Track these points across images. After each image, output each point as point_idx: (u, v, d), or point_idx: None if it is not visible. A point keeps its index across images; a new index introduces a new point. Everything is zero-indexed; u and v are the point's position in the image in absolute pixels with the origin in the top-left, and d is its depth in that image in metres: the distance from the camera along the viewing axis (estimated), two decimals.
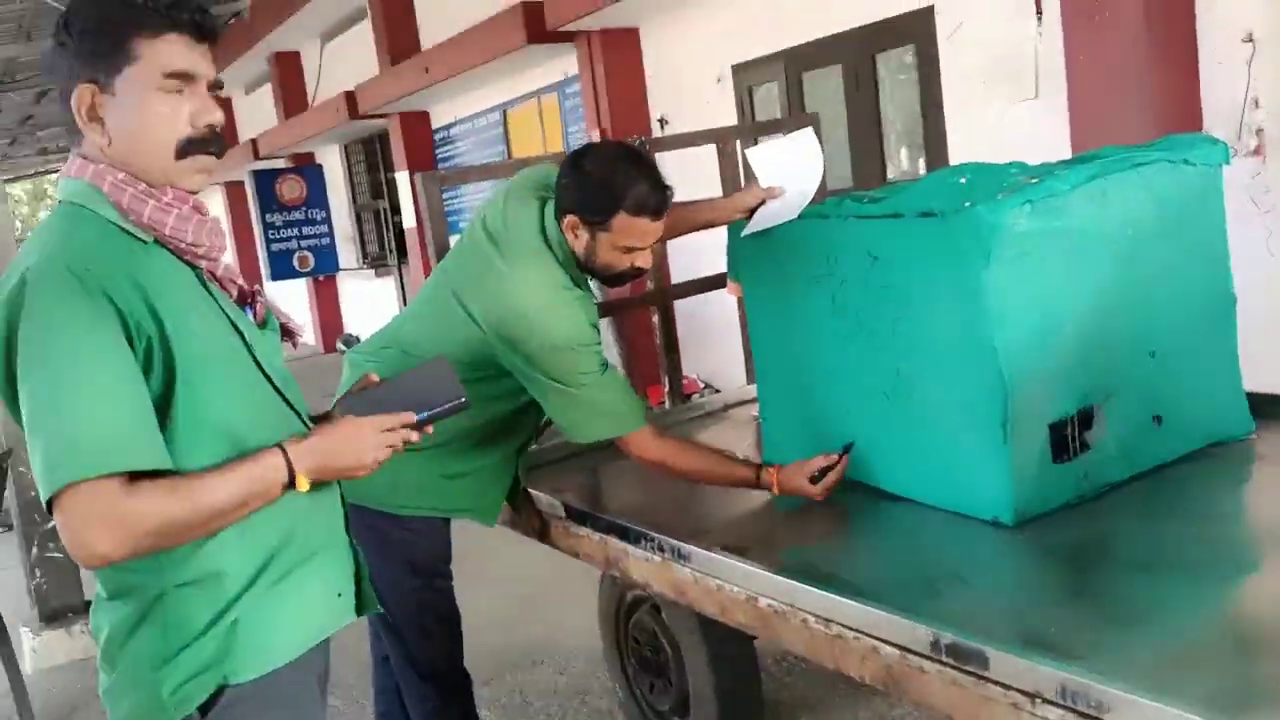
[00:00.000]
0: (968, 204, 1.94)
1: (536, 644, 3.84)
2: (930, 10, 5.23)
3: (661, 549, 2.17)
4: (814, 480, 2.20)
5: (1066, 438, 2.04)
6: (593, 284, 2.35)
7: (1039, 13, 4.73)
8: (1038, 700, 1.43)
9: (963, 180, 2.13)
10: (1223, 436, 2.25)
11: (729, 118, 6.56)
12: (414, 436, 1.56)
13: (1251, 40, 4.00)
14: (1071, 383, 2.03)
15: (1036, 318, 1.96)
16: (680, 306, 3.45)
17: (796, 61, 6.08)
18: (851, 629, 1.73)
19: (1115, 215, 2.04)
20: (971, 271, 1.93)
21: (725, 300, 3.44)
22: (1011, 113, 4.89)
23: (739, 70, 6.51)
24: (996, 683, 1.49)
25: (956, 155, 5.21)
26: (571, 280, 2.23)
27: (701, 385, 6.35)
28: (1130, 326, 2.10)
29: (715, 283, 3.38)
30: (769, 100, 6.39)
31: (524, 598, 4.25)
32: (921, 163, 5.54)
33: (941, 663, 1.57)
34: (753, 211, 2.37)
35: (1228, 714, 1.26)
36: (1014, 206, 1.91)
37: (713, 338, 5.65)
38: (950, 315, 2.00)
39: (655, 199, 2.14)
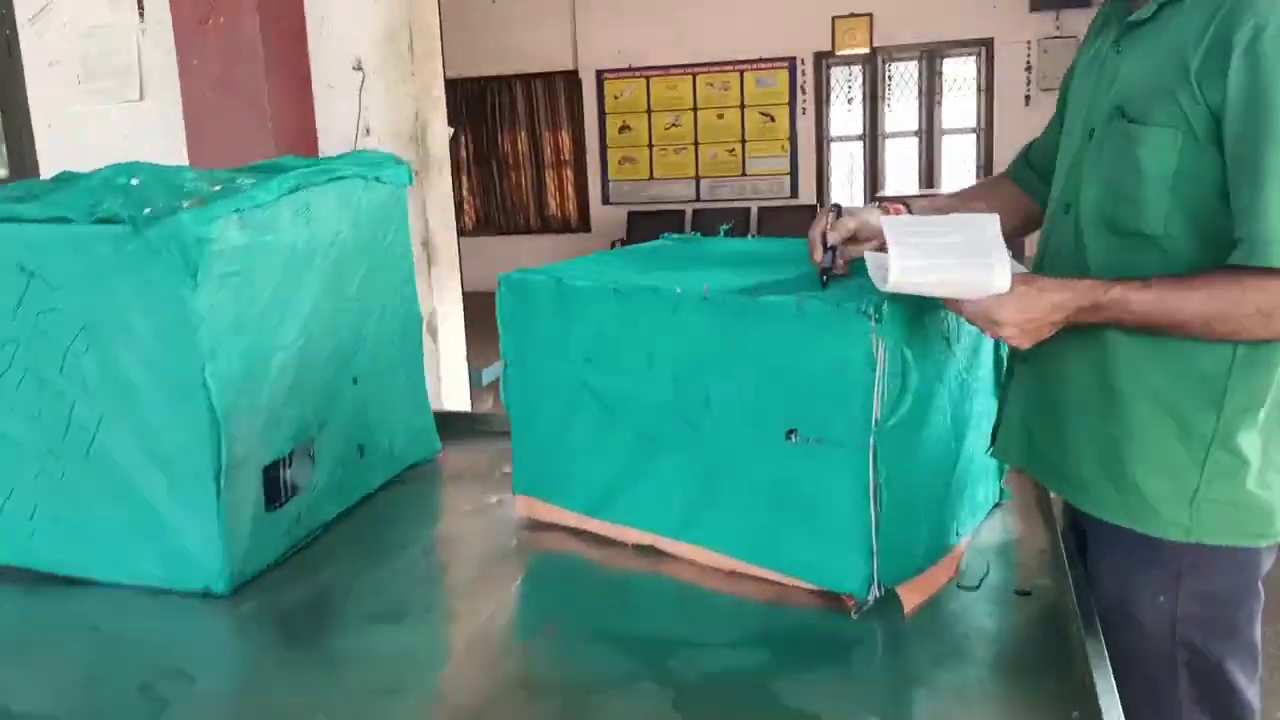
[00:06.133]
0: (167, 210, 1.59)
1: None
2: None
3: None
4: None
5: (279, 480, 1.81)
6: None
7: (141, 9, 4.35)
8: None
9: (134, 181, 1.75)
10: (416, 459, 2.22)
11: None
12: None
13: (361, 69, 4.16)
14: (284, 418, 1.80)
15: (247, 346, 1.69)
16: None
17: None
18: None
19: (320, 232, 1.86)
20: (173, 292, 1.58)
21: None
22: (115, 113, 4.42)
23: None
24: None
25: (47, 158, 4.56)
26: None
27: None
28: (336, 351, 1.94)
29: None
30: None
31: None
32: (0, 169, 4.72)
33: None
34: None
35: None
36: (223, 216, 1.61)
37: None
38: (144, 346, 1.62)
39: None
